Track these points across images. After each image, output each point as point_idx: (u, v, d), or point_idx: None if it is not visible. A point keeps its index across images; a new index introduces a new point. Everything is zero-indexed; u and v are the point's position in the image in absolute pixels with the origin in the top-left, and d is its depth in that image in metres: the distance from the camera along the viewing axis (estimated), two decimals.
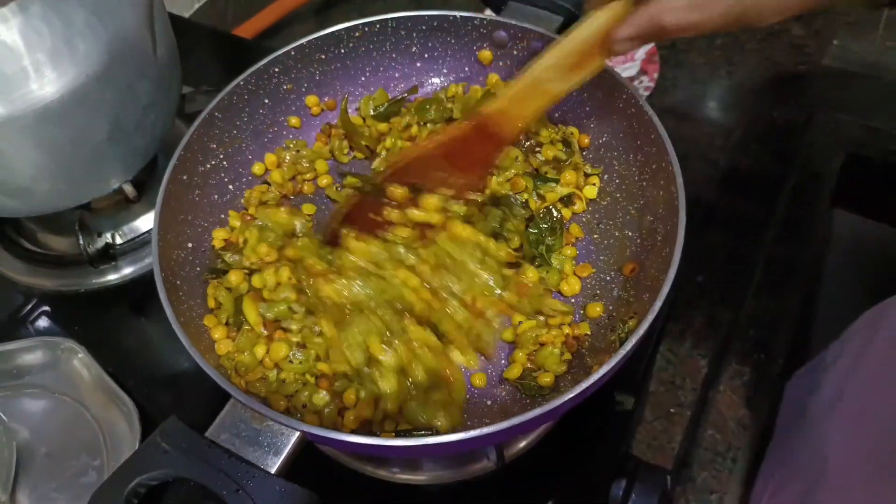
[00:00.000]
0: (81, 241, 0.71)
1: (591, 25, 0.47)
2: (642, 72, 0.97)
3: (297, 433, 0.44)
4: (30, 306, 0.76)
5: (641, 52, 0.98)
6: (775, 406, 0.73)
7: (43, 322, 0.75)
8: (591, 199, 0.62)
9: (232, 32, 1.04)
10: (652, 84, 0.95)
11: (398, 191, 0.55)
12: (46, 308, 0.76)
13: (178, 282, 0.53)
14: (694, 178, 0.88)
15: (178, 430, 0.43)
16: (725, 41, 1.02)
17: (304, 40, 0.63)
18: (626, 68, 0.98)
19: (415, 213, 0.54)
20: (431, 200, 0.54)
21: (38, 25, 0.57)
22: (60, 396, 0.68)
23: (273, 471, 0.43)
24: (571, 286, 0.58)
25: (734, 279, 0.82)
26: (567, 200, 0.61)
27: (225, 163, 0.62)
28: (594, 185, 0.61)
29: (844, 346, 0.66)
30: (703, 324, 0.80)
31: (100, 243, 0.75)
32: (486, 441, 0.45)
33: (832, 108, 0.92)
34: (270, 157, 0.64)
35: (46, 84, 0.58)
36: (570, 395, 0.44)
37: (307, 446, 0.45)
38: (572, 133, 0.62)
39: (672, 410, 0.75)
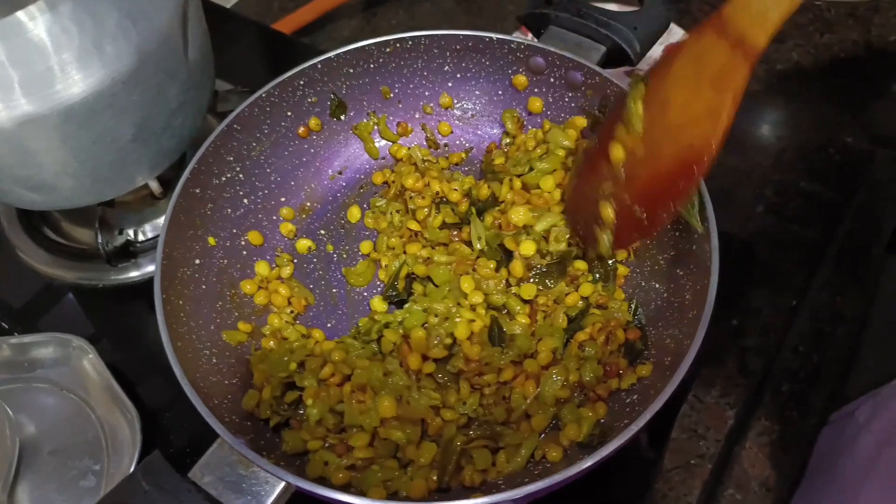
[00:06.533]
0: (100, 239, 0.71)
1: None
2: None
3: (282, 483, 0.42)
4: (48, 297, 0.76)
5: None
6: (803, 469, 0.69)
7: (58, 315, 0.75)
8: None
9: (273, 26, 1.02)
10: None
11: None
12: (64, 300, 0.76)
13: (181, 301, 0.52)
14: (740, 211, 0.84)
15: (161, 469, 0.42)
16: (786, 67, 0.96)
17: (332, 53, 0.60)
18: None
19: None
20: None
21: (67, 25, 0.56)
22: (68, 394, 0.68)
23: None
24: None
25: (773, 325, 0.77)
26: None
27: (241, 175, 0.60)
28: None
29: (880, 406, 0.62)
30: (734, 371, 0.76)
31: (120, 240, 0.74)
32: None
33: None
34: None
35: (72, 85, 0.57)
36: (575, 471, 0.41)
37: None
38: None
39: (692, 461, 0.71)
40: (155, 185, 0.76)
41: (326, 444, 0.50)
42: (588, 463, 0.42)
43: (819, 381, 0.73)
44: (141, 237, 0.77)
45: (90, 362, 0.67)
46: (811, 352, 0.75)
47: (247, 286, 0.59)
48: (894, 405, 0.60)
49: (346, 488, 0.46)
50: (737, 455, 0.70)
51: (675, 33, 0.93)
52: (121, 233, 0.75)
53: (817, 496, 0.64)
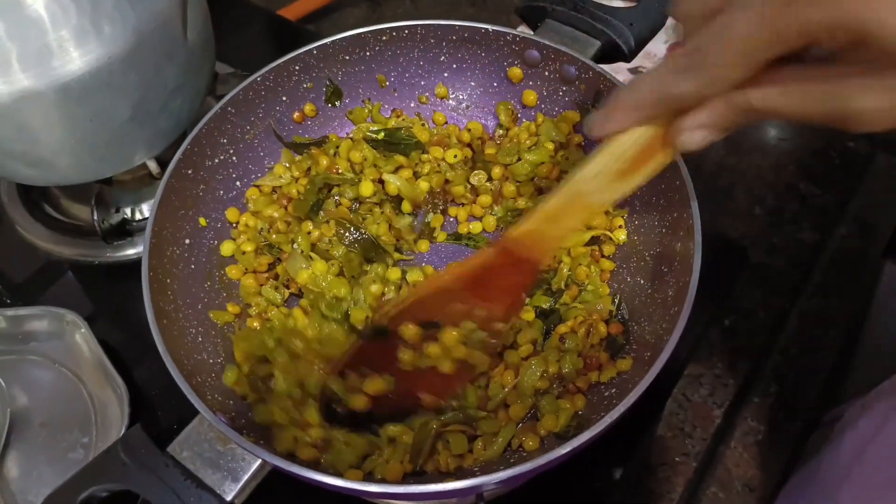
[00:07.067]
0: (96, 217, 0.72)
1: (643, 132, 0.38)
2: None
3: (258, 461, 0.43)
4: (46, 273, 0.77)
5: None
6: (789, 471, 0.69)
7: (57, 290, 0.76)
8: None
9: (279, 12, 1.02)
10: None
11: (409, 330, 0.49)
12: (62, 276, 0.77)
13: (169, 280, 0.53)
14: (736, 211, 0.84)
15: (140, 442, 0.43)
16: None
17: (328, 39, 0.61)
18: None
19: (433, 350, 0.48)
20: (452, 335, 0.48)
21: (64, 2, 0.57)
22: (61, 368, 0.69)
23: (229, 498, 0.42)
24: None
25: (764, 327, 0.77)
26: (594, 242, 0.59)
27: (234, 158, 0.61)
28: (621, 226, 0.58)
29: (868, 406, 0.62)
30: (724, 370, 0.76)
31: (116, 218, 0.75)
32: (466, 493, 0.44)
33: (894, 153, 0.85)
34: (288, 154, 0.63)
35: (69, 62, 0.58)
36: (541, 462, 0.41)
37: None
38: None
39: (677, 459, 0.71)
40: (153, 166, 0.77)
41: (293, 420, 0.50)
42: (561, 452, 0.42)
43: (808, 385, 0.73)
44: (138, 216, 0.77)
45: (83, 337, 0.68)
46: (801, 355, 0.75)
47: (232, 271, 0.60)
48: (881, 405, 0.60)
49: (317, 465, 0.47)
50: (721, 454, 0.71)
51: (679, 30, 0.93)
52: (117, 211, 0.76)
53: (801, 493, 0.64)
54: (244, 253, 0.59)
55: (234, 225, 0.61)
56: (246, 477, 0.43)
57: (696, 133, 0.35)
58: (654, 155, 0.39)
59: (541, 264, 0.47)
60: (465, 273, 0.48)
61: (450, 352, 0.48)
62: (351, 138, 0.64)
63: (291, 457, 0.47)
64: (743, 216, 0.85)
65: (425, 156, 0.63)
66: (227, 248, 0.60)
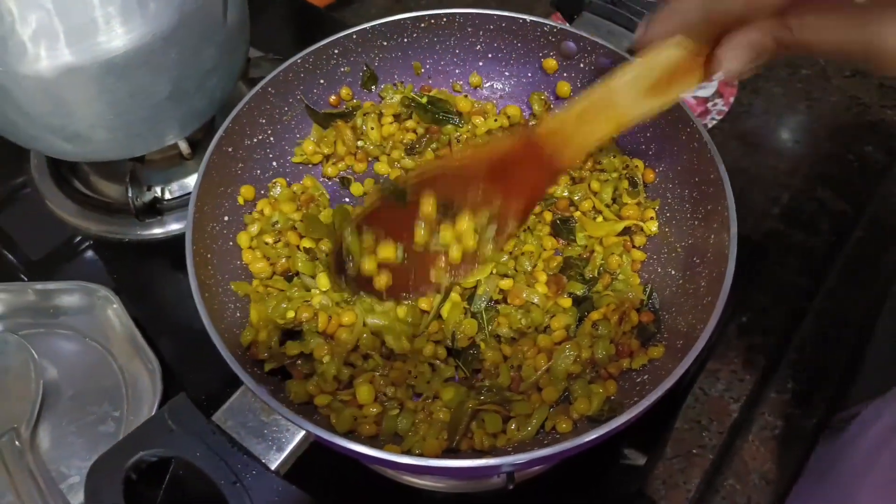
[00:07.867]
0: (130, 193, 0.72)
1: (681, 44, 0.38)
2: (718, 94, 0.93)
3: (302, 432, 0.44)
4: (74, 248, 0.78)
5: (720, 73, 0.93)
6: (804, 464, 0.70)
7: (84, 265, 0.77)
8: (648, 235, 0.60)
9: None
10: (726, 108, 0.91)
11: (428, 204, 0.47)
12: (89, 252, 0.78)
13: (209, 255, 0.53)
14: (752, 212, 0.85)
15: (186, 409, 0.43)
16: (810, 73, 0.96)
17: (367, 25, 0.62)
18: (701, 87, 0.93)
19: (447, 234, 0.47)
20: (466, 223, 0.46)
21: None
22: (91, 342, 0.70)
23: (273, 467, 0.43)
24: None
25: (780, 325, 0.78)
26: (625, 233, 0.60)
27: (272, 138, 0.62)
28: (652, 218, 0.59)
29: (884, 407, 0.63)
30: (740, 366, 0.77)
31: (148, 196, 0.76)
32: (491, 471, 0.45)
33: None
34: (318, 130, 0.64)
35: (114, 38, 0.59)
36: (574, 444, 0.42)
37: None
38: (637, 166, 0.60)
39: (694, 451, 0.72)
40: (184, 146, 0.78)
41: (337, 399, 0.51)
42: (595, 434, 0.43)
43: (823, 381, 0.74)
44: (168, 195, 0.78)
45: (114, 312, 0.69)
46: (817, 353, 0.75)
47: (247, 256, 0.59)
48: None
49: (358, 436, 0.48)
50: (738, 448, 0.71)
51: None
52: (149, 189, 0.77)
53: (817, 491, 0.65)
54: (266, 243, 0.58)
55: (254, 204, 0.60)
56: (290, 447, 0.44)
57: (737, 52, 0.36)
58: (686, 74, 0.39)
59: (563, 168, 0.46)
60: (489, 155, 0.47)
61: (462, 239, 0.47)
62: (381, 112, 0.65)
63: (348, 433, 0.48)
64: (760, 217, 0.86)
65: (463, 127, 0.64)
66: (243, 240, 0.58)
